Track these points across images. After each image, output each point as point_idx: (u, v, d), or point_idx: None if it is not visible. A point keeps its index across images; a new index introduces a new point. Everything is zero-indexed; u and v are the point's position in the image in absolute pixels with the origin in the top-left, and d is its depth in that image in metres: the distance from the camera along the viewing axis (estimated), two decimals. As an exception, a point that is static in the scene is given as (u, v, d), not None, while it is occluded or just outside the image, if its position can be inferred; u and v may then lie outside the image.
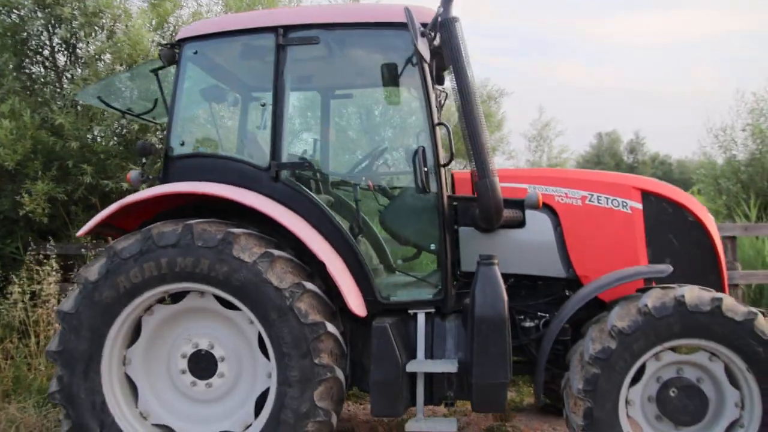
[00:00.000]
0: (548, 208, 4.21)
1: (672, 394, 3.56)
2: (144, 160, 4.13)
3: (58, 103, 6.34)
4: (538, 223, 4.21)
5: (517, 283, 4.38)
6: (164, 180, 3.96)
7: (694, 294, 3.46)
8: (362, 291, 3.81)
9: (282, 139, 3.82)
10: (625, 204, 4.13)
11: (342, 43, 3.94)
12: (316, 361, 3.51)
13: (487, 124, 14.50)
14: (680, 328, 3.43)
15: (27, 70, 6.76)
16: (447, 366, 3.63)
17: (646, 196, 4.15)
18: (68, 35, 6.31)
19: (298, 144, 4.45)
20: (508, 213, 4.07)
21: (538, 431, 4.98)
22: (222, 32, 3.95)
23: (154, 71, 4.09)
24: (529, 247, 4.20)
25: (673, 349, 3.58)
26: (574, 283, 4.12)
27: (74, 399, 3.63)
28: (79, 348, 3.62)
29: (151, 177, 4.02)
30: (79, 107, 6.23)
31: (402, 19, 3.58)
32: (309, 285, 3.58)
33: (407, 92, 3.94)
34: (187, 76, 4.00)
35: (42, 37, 6.64)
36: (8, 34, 6.35)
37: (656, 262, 4.11)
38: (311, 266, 3.74)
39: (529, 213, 4.22)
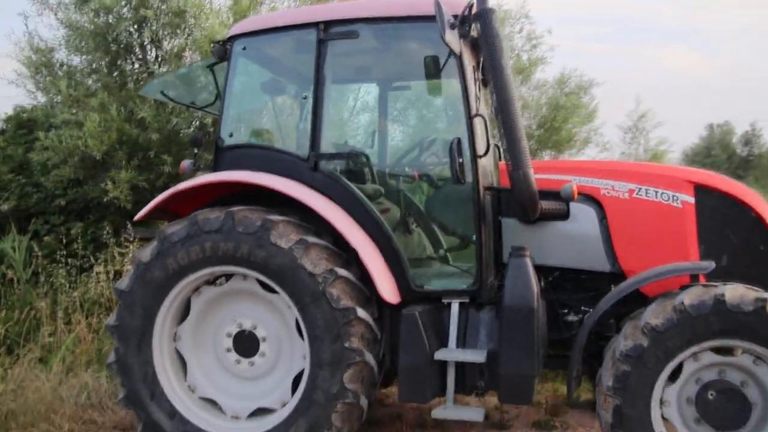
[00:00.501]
0: (594, 201, 4.10)
1: (711, 397, 3.39)
2: (196, 150, 4.41)
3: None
4: (582, 216, 4.11)
5: (562, 276, 4.30)
6: (215, 169, 4.20)
7: (736, 292, 3.28)
8: (397, 279, 3.88)
9: (321, 130, 3.95)
10: (675, 198, 3.95)
11: (382, 37, 4.01)
12: (347, 344, 3.62)
13: (576, 116, 13.86)
14: (719, 328, 3.26)
15: (120, 67, 7.31)
16: (475, 356, 3.64)
17: (700, 189, 3.95)
18: (153, 35, 6.78)
19: (349, 134, 4.56)
20: (550, 205, 4.01)
21: (589, 428, 4.87)
22: (268, 29, 4.13)
23: (209, 66, 4.34)
24: (573, 240, 4.12)
25: (716, 349, 3.41)
26: (619, 277, 3.98)
27: (128, 370, 3.96)
28: (133, 323, 3.94)
29: (202, 166, 4.28)
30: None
31: (459, 13, 3.63)
32: (342, 271, 3.70)
33: (447, 83, 3.96)
34: (237, 71, 4.23)
35: (132, 37, 7.16)
36: (102, 34, 6.90)
37: (714, 259, 3.91)
38: (348, 254, 3.86)
39: (573, 205, 4.13)
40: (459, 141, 3.76)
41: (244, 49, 4.20)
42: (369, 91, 4.67)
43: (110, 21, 6.83)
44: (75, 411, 4.42)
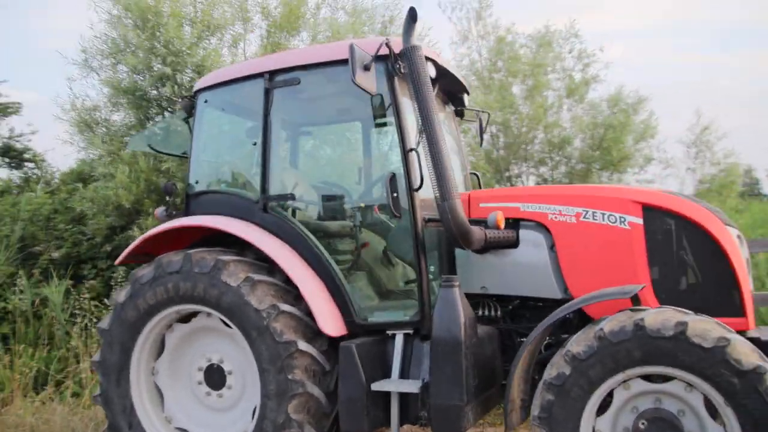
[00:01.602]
0: (543, 227, 4.09)
1: (642, 427, 3.27)
2: (167, 198, 4.78)
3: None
4: (532, 243, 4.11)
5: (521, 305, 4.29)
6: (186, 214, 4.55)
7: (658, 317, 3.17)
8: (342, 312, 4.03)
9: (269, 174, 4.21)
10: (623, 219, 3.87)
11: (322, 81, 4.22)
12: (290, 376, 3.80)
13: (633, 133, 13.44)
14: (641, 355, 3.16)
15: (149, 122, 7.98)
16: (411, 386, 3.70)
17: (648, 210, 3.85)
18: (174, 90, 7.36)
19: (299, 175, 4.75)
20: (499, 233, 4.04)
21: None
22: (225, 81, 4.48)
23: (185, 120, 4.73)
24: (524, 268, 4.11)
25: (649, 376, 3.30)
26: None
27: (110, 402, 4.32)
28: (112, 359, 4.31)
29: (174, 213, 4.64)
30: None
31: (385, 52, 3.81)
32: (285, 306, 3.90)
33: (387, 121, 4.10)
34: (202, 122, 4.58)
35: (159, 92, 7.80)
36: (132, 91, 7.58)
37: (663, 281, 3.80)
38: (298, 290, 4.05)
39: (523, 232, 4.14)
40: (394, 175, 3.89)
41: (206, 102, 4.55)
42: (318, 133, 4.90)
43: (138, 79, 7.49)
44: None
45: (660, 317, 3.18)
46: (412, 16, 3.78)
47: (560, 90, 14.81)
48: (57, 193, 9.16)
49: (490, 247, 4.08)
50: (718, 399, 3.08)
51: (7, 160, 13.32)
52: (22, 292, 6.90)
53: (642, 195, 3.95)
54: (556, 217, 4.04)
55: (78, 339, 6.45)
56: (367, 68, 3.60)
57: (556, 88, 14.81)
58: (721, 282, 3.72)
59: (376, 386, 3.75)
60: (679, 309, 3.28)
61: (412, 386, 3.70)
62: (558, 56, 14.38)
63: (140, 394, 4.32)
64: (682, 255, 3.79)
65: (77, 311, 6.67)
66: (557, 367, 3.33)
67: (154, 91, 7.62)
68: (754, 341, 3.63)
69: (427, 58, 4.13)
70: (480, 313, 4.25)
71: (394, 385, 3.75)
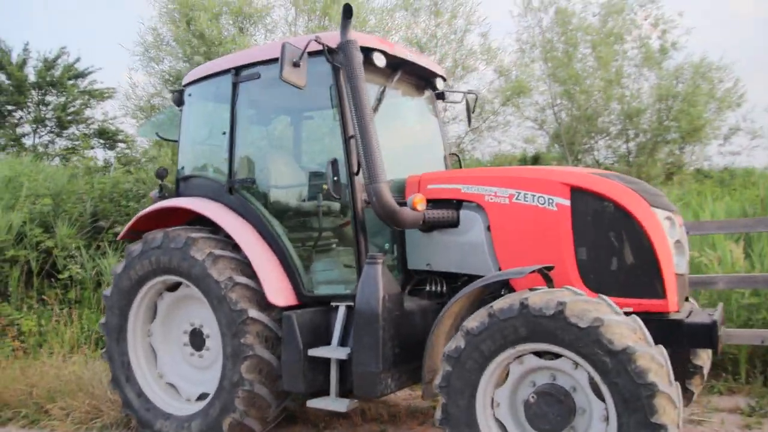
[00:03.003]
0: (480, 208, 4.25)
1: (532, 400, 3.43)
2: (160, 181, 5.35)
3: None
4: (470, 223, 4.29)
5: (467, 283, 4.47)
6: (176, 196, 5.12)
7: (543, 297, 3.31)
8: (293, 285, 4.43)
9: (235, 160, 4.67)
10: (551, 201, 3.97)
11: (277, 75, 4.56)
12: (242, 340, 4.27)
13: (713, 103, 12.92)
14: (526, 332, 3.32)
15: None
16: (340, 353, 4.05)
17: (576, 192, 3.92)
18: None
19: (263, 161, 5.13)
20: (441, 213, 4.26)
21: None
22: (204, 76, 4.97)
23: (180, 109, 5.28)
24: (462, 247, 4.31)
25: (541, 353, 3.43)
26: (507, 283, 4.09)
27: (112, 358, 5.01)
28: (113, 322, 4.99)
29: (167, 195, 5.22)
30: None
31: (318, 48, 4.13)
32: (240, 279, 4.36)
33: (335, 111, 4.38)
34: (188, 113, 5.11)
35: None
36: (174, 81, 8.31)
37: (589, 262, 3.88)
38: (260, 264, 4.49)
39: (463, 213, 4.33)
40: (335, 160, 4.20)
41: (190, 95, 5.07)
42: (279, 123, 5.26)
43: (182, 69, 8.20)
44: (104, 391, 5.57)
45: (545, 297, 3.31)
46: (346, 12, 4.04)
47: (635, 59, 14.18)
48: (133, 173, 10.19)
49: (430, 226, 4.31)
50: (596, 377, 3.19)
51: (102, 141, 14.82)
52: (83, 263, 7.89)
53: (572, 177, 4.00)
54: (491, 199, 4.19)
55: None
56: (296, 64, 3.90)
57: (631, 57, 14.19)
58: (642, 264, 3.75)
59: (312, 352, 4.13)
60: (573, 290, 3.38)
61: (342, 353, 4.05)
62: (630, 23, 13.72)
63: (136, 352, 4.98)
64: (607, 237, 3.83)
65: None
66: (455, 340, 3.56)
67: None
68: (675, 324, 3.69)
69: (377, 50, 4.39)
70: (427, 288, 4.51)
71: (327, 351, 4.12)
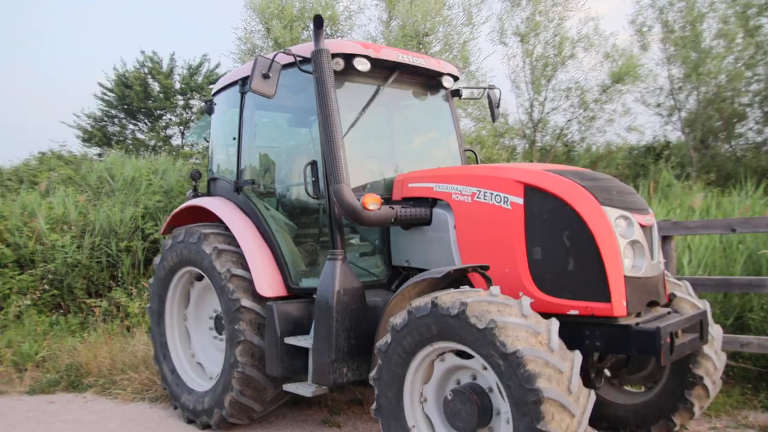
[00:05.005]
0: (449, 206, 4.30)
1: (449, 398, 3.47)
2: (194, 183, 5.94)
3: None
4: (439, 221, 4.36)
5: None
6: (208, 195, 5.70)
7: (451, 297, 3.35)
8: (284, 278, 4.79)
9: (241, 162, 5.12)
10: (506, 199, 3.94)
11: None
12: (236, 327, 4.72)
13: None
14: (437, 330, 3.38)
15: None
16: (306, 342, 4.33)
17: (529, 190, 3.86)
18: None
19: (266, 163, 5.49)
20: (414, 211, 4.39)
21: None
22: (222, 87, 5.48)
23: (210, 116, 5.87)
24: (432, 244, 4.40)
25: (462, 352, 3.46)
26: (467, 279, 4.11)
27: (154, 338, 5.73)
28: (154, 306, 5.70)
29: (200, 194, 5.81)
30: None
31: (289, 60, 4.45)
32: (237, 271, 4.80)
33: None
34: (215, 120, 5.67)
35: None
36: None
37: (541, 262, 3.81)
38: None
39: (435, 211, 4.41)
40: (314, 162, 4.48)
41: (215, 104, 5.61)
42: (280, 126, 5.56)
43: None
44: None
45: (454, 297, 3.34)
46: (317, 23, 4.29)
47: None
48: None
49: (404, 224, 4.43)
50: (496, 378, 3.18)
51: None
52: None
53: (527, 175, 3.92)
54: (457, 197, 4.23)
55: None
56: (266, 76, 4.23)
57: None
58: (587, 265, 3.61)
59: (287, 340, 4.46)
60: (490, 291, 3.37)
61: (307, 342, 4.33)
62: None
63: (173, 334, 5.65)
64: (556, 237, 3.73)
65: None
66: (384, 335, 3.69)
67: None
68: (621, 329, 3.51)
69: (359, 55, 4.58)
70: (408, 284, 4.62)
71: (299, 340, 4.42)
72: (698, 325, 3.90)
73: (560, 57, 11.93)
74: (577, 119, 12.60)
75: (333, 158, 4.13)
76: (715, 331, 4.31)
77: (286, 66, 4.39)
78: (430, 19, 10.21)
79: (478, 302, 3.24)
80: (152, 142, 19.37)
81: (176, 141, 19.94)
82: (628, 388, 4.83)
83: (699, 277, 5.80)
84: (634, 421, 4.54)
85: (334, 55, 4.43)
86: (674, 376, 4.33)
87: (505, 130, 12.58)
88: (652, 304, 3.83)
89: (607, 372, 4.56)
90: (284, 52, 4.38)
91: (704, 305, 4.29)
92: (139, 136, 20.86)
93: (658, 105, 13.21)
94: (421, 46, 10.48)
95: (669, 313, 3.89)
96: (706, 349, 4.19)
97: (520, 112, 13.90)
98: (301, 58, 4.43)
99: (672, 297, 4.22)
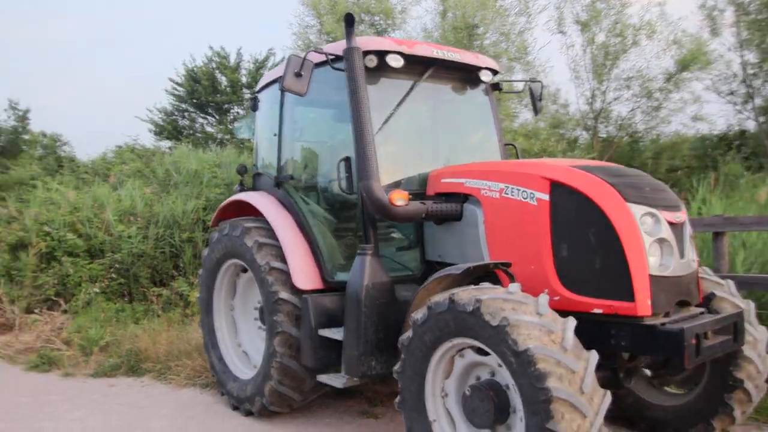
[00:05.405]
0: (478, 202, 4.30)
1: (467, 394, 3.50)
2: (241, 177, 6.13)
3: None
4: (469, 216, 4.37)
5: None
6: (253, 190, 5.90)
7: (468, 293, 3.37)
8: (321, 271, 4.91)
9: (282, 158, 5.27)
10: (533, 195, 3.92)
11: (317, 80, 4.94)
12: (275, 318, 4.89)
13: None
14: (455, 326, 3.41)
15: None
16: (338, 334, 4.44)
17: (556, 186, 3.82)
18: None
19: (305, 159, 5.64)
20: (444, 206, 4.43)
21: None
22: (264, 85, 5.64)
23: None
24: (463, 239, 4.42)
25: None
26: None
27: (204, 327, 5.99)
28: (203, 296, 5.96)
29: (246, 188, 6.01)
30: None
31: (321, 58, 4.55)
32: (276, 264, 4.96)
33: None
34: (259, 117, 5.84)
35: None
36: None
37: (566, 259, 3.78)
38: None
39: (466, 206, 4.42)
40: (348, 159, 4.56)
41: (259, 101, 5.78)
42: (320, 122, 5.63)
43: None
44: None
45: (471, 293, 3.36)
46: (348, 22, 4.36)
47: None
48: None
49: (432, 219, 4.46)
50: (510, 376, 3.19)
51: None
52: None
53: (553, 171, 3.88)
54: (486, 193, 4.23)
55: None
56: (298, 74, 4.34)
57: None
58: (612, 263, 3.55)
59: (321, 332, 4.59)
60: (510, 288, 3.37)
61: (340, 334, 4.44)
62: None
63: (221, 323, 5.90)
64: (581, 234, 3.69)
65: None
66: (407, 330, 3.75)
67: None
68: (646, 329, 3.44)
69: (391, 52, 4.63)
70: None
71: (331, 332, 4.53)
72: (732, 327, 3.75)
73: (622, 44, 11.52)
74: (640, 108, 12.14)
75: (363, 155, 4.21)
76: (759, 332, 4.13)
77: (318, 64, 4.48)
78: (482, 10, 10.11)
79: (493, 299, 3.25)
80: (220, 135, 20.08)
81: (244, 134, 20.59)
82: (668, 389, 4.69)
83: (752, 275, 5.54)
84: (674, 423, 4.42)
85: (366, 53, 4.50)
86: (714, 379, 4.18)
87: (564, 121, 12.29)
88: (684, 304, 3.72)
89: (647, 372, 4.47)
90: (316, 51, 4.48)
91: (747, 305, 4.12)
92: (208, 129, 21.67)
93: (731, 93, 12.57)
94: (472, 38, 10.38)
95: (702, 313, 3.77)
96: (748, 351, 4.02)
97: (581, 103, 13.55)
98: (333, 56, 4.52)
99: (711, 296, 4.07)
